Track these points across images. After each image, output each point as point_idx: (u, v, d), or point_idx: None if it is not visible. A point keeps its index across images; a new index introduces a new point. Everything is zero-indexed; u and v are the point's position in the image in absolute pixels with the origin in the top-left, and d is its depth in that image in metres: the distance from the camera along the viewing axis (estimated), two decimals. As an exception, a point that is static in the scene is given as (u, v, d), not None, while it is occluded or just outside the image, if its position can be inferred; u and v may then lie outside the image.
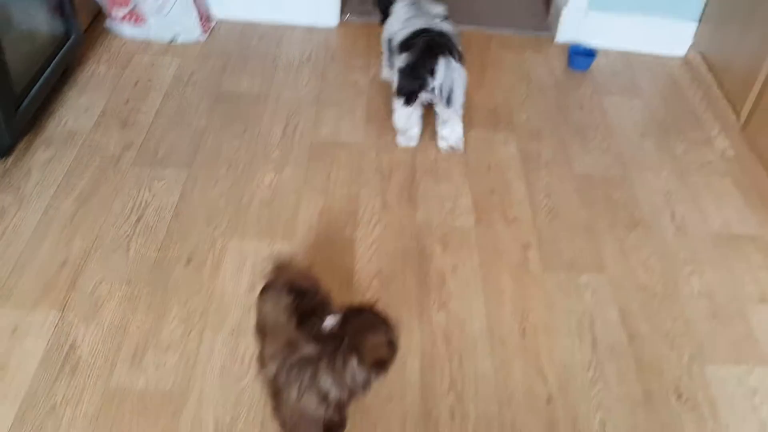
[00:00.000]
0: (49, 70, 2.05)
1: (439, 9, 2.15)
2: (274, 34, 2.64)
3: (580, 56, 2.57)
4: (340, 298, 1.45)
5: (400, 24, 2.10)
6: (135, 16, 2.44)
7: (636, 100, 2.47)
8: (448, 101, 2.01)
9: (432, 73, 1.96)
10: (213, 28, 2.62)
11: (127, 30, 2.49)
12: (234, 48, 2.54)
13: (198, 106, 2.24)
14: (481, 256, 1.82)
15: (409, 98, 2.04)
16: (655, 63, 2.69)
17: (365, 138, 2.18)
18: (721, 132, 2.34)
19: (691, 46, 2.70)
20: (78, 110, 2.16)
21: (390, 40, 2.15)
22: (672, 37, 2.70)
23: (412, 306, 1.68)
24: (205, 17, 2.56)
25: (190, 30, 2.50)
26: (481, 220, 1.93)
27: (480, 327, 1.64)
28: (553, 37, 2.76)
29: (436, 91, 1.99)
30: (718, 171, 2.18)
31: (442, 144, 2.15)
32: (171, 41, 2.51)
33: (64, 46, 2.15)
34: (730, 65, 2.38)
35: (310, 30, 2.69)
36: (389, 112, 2.23)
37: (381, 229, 1.87)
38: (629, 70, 2.63)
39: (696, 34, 2.67)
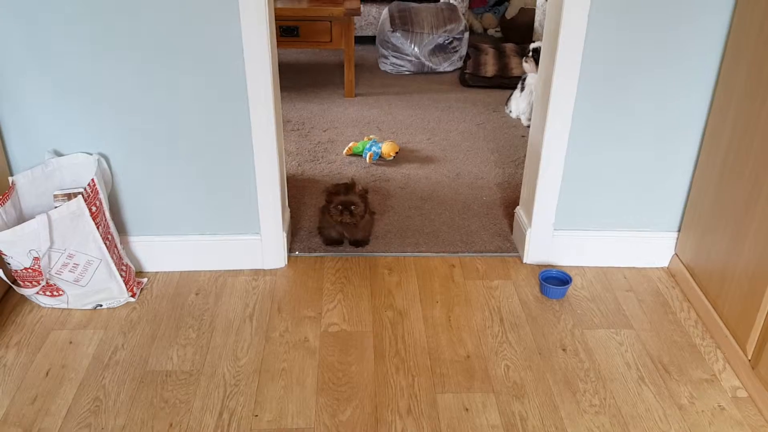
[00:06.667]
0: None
1: None
2: (214, 285, 2.37)
3: (553, 284, 2.31)
4: None
5: None
6: (50, 290, 2.16)
7: (624, 331, 2.17)
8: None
9: None
10: (144, 286, 2.35)
11: (44, 300, 2.21)
12: (166, 309, 2.24)
13: (117, 396, 1.89)
14: None
15: None
16: (637, 279, 2.43)
17: (317, 420, 1.83)
18: (726, 366, 2.03)
19: (674, 257, 2.46)
20: (-29, 420, 1.81)
21: None
22: (650, 249, 2.47)
23: None
24: (132, 279, 2.29)
25: (115, 296, 2.22)
26: None
27: None
28: (521, 257, 2.52)
29: None
30: (734, 420, 1.85)
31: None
32: (95, 308, 2.23)
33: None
34: (723, 283, 2.10)
35: (256, 273, 2.43)
36: (345, 372, 1.91)
37: None
38: (610, 293, 2.36)
39: (677, 245, 2.45)
